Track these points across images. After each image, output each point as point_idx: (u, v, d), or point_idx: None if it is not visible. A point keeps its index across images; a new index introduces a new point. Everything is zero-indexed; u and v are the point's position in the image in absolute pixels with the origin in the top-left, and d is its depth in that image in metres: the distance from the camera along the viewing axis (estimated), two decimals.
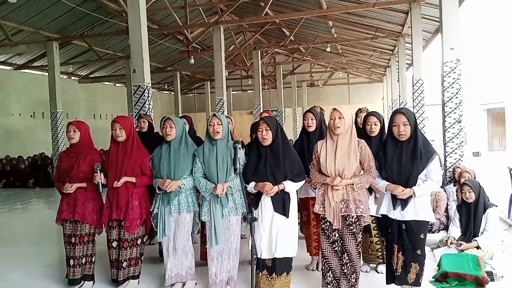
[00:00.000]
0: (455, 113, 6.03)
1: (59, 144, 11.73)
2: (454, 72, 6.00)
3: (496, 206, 4.20)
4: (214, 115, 3.52)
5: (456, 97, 6.03)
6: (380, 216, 3.35)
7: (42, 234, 6.34)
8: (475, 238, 4.03)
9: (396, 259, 3.20)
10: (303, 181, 3.37)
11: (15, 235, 6.43)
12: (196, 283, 3.76)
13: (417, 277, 3.14)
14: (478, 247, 3.97)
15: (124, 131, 3.64)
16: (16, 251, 5.36)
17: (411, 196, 3.05)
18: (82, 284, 3.78)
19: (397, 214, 3.13)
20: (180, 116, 4.69)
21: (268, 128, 3.29)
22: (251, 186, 3.35)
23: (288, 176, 3.27)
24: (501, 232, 4.73)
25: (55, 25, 11.94)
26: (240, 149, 3.28)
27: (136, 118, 6.70)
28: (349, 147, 3.16)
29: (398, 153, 3.11)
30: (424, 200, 3.14)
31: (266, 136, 3.28)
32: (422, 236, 3.13)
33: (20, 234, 6.51)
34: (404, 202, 3.08)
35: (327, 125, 3.28)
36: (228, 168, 3.42)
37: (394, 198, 3.13)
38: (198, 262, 3.96)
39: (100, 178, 3.58)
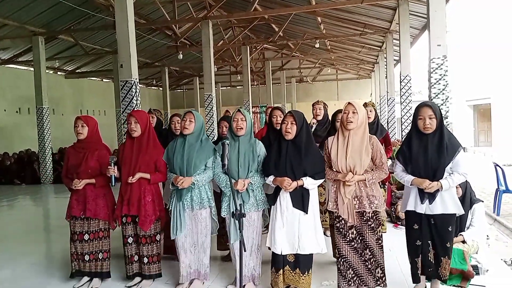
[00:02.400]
0: (441, 109, 6.08)
1: (45, 140, 11.56)
2: (441, 69, 6.05)
3: (482, 201, 4.25)
4: (239, 110, 3.43)
5: (443, 93, 6.09)
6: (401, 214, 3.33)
7: (28, 231, 6.26)
8: (461, 233, 4.07)
9: (432, 255, 3.17)
10: (323, 179, 3.30)
11: (1, 232, 6.33)
12: (203, 283, 3.67)
13: (447, 272, 3.12)
14: (464, 242, 4.02)
15: (139, 125, 3.56)
16: (3, 248, 5.28)
17: (438, 189, 3.03)
18: (91, 280, 3.75)
19: (425, 208, 3.10)
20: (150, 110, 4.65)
21: (293, 122, 3.21)
22: (270, 180, 3.30)
23: (308, 173, 3.20)
24: (486, 227, 4.80)
25: (40, 20, 11.73)
26: (228, 145, 3.19)
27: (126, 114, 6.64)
28: (361, 143, 3.13)
29: (423, 146, 3.09)
30: (452, 192, 3.12)
31: (290, 130, 3.21)
32: (450, 228, 3.11)
33: (6, 231, 6.41)
34: (432, 196, 3.06)
35: (341, 120, 3.22)
36: (249, 164, 3.37)
37: (421, 192, 3.10)
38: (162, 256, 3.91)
39: (114, 171, 3.50)
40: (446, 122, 6.08)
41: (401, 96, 10.45)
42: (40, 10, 11.19)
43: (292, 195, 3.22)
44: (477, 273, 3.65)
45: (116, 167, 3.54)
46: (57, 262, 4.42)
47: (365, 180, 3.10)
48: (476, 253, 4.01)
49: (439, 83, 6.07)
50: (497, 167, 7.17)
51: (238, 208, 2.89)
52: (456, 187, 4.12)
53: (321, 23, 14.08)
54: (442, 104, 6.08)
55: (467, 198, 4.15)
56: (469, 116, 23.01)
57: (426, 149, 3.07)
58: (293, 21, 14.28)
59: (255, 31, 17.47)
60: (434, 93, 6.10)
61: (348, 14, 12.58)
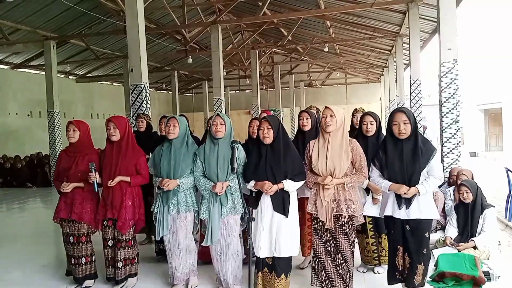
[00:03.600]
0: (452, 113, 6.04)
1: (56, 143, 11.69)
2: (452, 73, 6.01)
3: (494, 206, 4.20)
4: (218, 114, 3.52)
5: (454, 98, 6.04)
6: (382, 217, 3.34)
7: (39, 233, 6.33)
8: (473, 238, 4.03)
9: (401, 260, 3.19)
10: (303, 181, 3.35)
11: (12, 234, 6.40)
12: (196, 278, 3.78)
13: (423, 277, 3.14)
14: (475, 247, 3.98)
15: (118, 130, 3.64)
16: (13, 250, 5.35)
17: (415, 194, 3.05)
18: (82, 283, 3.79)
19: (402, 214, 3.12)
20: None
21: (269, 127, 3.27)
22: (251, 185, 3.34)
23: (288, 175, 3.25)
24: (498, 233, 4.74)
25: (52, 24, 11.89)
26: (237, 148, 3.28)
27: (134, 117, 6.69)
28: (340, 146, 3.17)
29: (398, 152, 3.10)
30: (428, 197, 3.13)
31: (268, 135, 3.27)
32: (426, 235, 3.12)
33: (17, 233, 6.48)
34: (409, 201, 3.08)
35: (320, 123, 3.28)
36: (228, 167, 3.42)
37: (398, 198, 3.12)
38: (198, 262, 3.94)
39: (95, 177, 3.58)
40: (457, 126, 6.04)
41: (411, 100, 10.39)
42: (52, 15, 11.35)
43: (273, 199, 3.27)
44: (489, 279, 3.61)
45: (97, 173, 3.61)
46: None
47: (343, 184, 3.13)
48: (488, 259, 3.97)
49: (450, 87, 6.03)
50: (509, 172, 7.08)
51: (248, 211, 2.90)
52: (467, 192, 4.11)
53: (330, 27, 14.07)
54: (453, 109, 6.03)
55: (478, 203, 4.12)
56: (480, 120, 22.75)
57: (401, 154, 3.09)
58: (302, 25, 14.29)
59: (264, 35, 17.52)
60: (445, 97, 6.05)
61: (358, 18, 12.56)
